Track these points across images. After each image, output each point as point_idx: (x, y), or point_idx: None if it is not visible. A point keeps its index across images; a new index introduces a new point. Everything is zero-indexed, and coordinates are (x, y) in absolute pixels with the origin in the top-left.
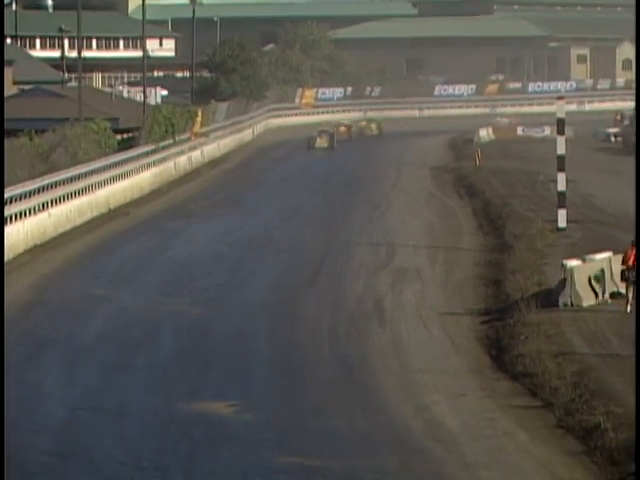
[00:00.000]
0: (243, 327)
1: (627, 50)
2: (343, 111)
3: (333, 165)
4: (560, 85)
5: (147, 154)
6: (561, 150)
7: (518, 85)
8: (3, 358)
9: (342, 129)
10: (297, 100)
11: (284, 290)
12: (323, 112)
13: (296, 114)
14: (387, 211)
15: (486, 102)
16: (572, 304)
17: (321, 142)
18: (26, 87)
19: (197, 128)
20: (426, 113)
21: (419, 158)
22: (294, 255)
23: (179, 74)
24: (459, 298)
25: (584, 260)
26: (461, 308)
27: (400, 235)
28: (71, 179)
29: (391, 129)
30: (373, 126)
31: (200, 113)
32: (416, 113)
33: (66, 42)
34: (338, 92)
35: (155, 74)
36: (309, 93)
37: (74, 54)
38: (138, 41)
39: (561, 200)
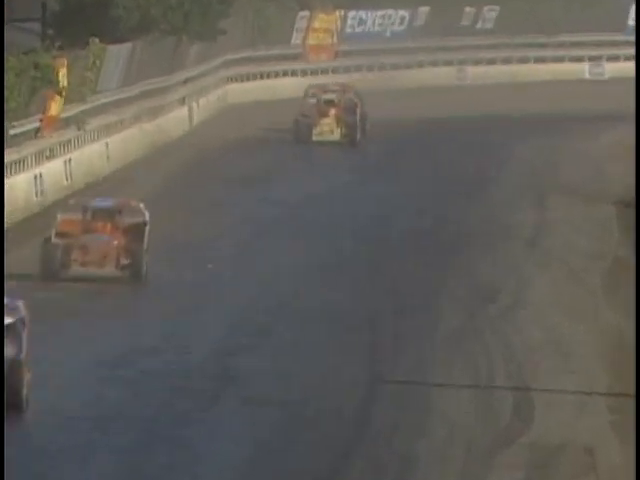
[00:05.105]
0: None
1: None
2: (407, 66)
3: (382, 194)
4: None
5: None
6: None
7: None
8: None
9: None
10: (296, 39)
11: None
12: (358, 68)
13: (293, 73)
14: (515, 307)
15: None
16: None
17: None
18: None
19: (56, 107)
20: (608, 69)
21: (591, 178)
22: (285, 418)
23: None
24: None
25: None
26: None
27: (545, 366)
28: None
29: (522, 107)
30: None
31: (63, 71)
32: (584, 70)
33: None
34: (395, 19)
35: None
36: (325, 22)
37: None
38: None
39: None
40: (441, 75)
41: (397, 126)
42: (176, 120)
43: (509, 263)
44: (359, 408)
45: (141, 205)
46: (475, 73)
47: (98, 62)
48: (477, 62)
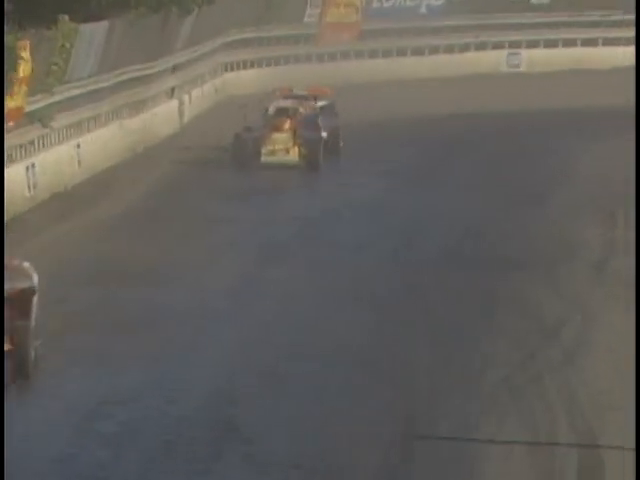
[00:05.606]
0: None
1: None
2: (447, 49)
3: (417, 205)
4: None
5: None
6: None
7: None
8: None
9: None
10: (310, 15)
11: None
12: (387, 53)
13: (307, 57)
14: (580, 348)
15: None
16: None
17: None
18: None
19: (20, 99)
20: None
21: None
22: None
23: None
24: None
25: None
26: None
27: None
28: None
29: (588, 100)
30: None
31: (27, 55)
32: None
33: None
34: None
35: None
36: None
37: None
38: None
39: None
40: (489, 60)
41: (437, 122)
42: (163, 116)
43: (570, 293)
44: (388, 470)
45: (26, 264)
46: (530, 58)
47: (68, 45)
48: (533, 45)
